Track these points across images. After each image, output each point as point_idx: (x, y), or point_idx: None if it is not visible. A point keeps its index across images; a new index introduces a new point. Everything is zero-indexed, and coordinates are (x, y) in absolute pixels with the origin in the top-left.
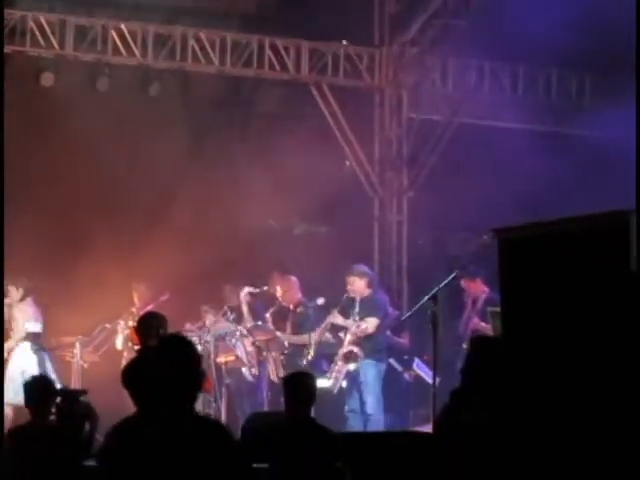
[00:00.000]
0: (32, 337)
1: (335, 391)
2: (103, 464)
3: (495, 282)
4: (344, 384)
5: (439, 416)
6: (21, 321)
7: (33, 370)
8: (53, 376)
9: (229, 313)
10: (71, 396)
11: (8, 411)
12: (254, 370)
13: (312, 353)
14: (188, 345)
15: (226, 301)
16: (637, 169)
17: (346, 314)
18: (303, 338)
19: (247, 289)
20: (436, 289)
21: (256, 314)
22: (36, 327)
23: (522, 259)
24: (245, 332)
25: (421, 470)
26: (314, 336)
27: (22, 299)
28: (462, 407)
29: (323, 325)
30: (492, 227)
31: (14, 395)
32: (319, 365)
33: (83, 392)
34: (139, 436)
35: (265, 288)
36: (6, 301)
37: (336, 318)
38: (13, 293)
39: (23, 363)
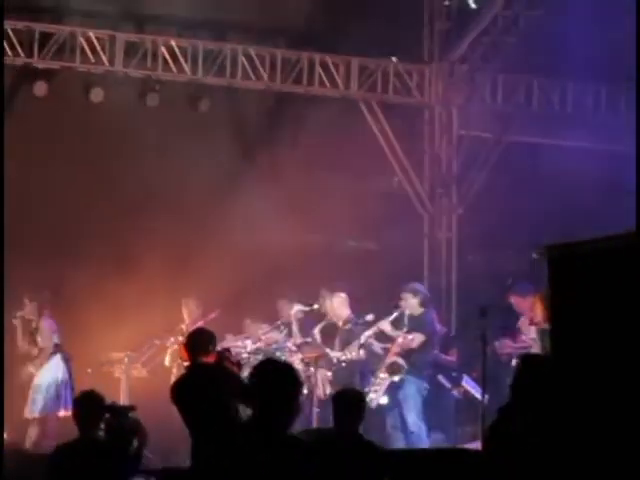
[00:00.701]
0: (60, 348)
1: (373, 406)
2: None
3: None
4: (384, 400)
5: (487, 432)
6: (48, 333)
7: (64, 379)
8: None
9: (282, 327)
10: (120, 412)
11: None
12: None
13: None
14: (291, 370)
15: (280, 315)
16: (637, 172)
17: (395, 327)
18: (352, 355)
19: (297, 307)
20: (485, 306)
21: (305, 331)
22: (57, 339)
23: (572, 276)
24: (294, 348)
25: None
26: (366, 334)
27: (40, 313)
28: (509, 424)
29: (372, 330)
30: (542, 244)
31: (50, 404)
32: (367, 381)
33: (132, 408)
34: (237, 457)
35: (316, 306)
36: (20, 314)
37: (385, 326)
38: (27, 306)
39: (57, 373)
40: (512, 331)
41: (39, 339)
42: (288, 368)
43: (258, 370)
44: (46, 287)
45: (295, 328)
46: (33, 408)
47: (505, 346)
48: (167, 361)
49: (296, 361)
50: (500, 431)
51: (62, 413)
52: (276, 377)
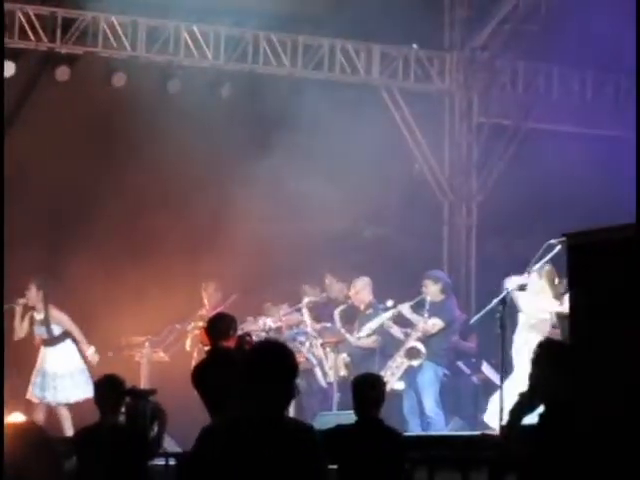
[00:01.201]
0: (67, 336)
1: (388, 389)
2: (194, 465)
3: None
4: (400, 385)
5: (507, 420)
6: (67, 321)
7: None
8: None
9: (303, 310)
10: (140, 396)
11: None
12: (324, 371)
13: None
14: (288, 352)
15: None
16: (637, 170)
17: (416, 313)
18: (372, 340)
19: (307, 299)
20: (505, 293)
21: (320, 317)
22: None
23: (591, 263)
24: (314, 334)
25: (488, 472)
26: (385, 316)
27: (43, 301)
28: (528, 411)
29: (392, 312)
30: (561, 231)
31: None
32: (385, 365)
33: (152, 392)
34: (233, 439)
35: (324, 295)
36: (22, 300)
37: (405, 309)
38: (32, 292)
39: (74, 361)
40: None
41: (53, 327)
42: (283, 349)
43: (254, 351)
44: (59, 273)
45: (307, 318)
46: (55, 394)
47: None
48: (188, 345)
49: (316, 346)
50: (520, 419)
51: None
52: (271, 358)
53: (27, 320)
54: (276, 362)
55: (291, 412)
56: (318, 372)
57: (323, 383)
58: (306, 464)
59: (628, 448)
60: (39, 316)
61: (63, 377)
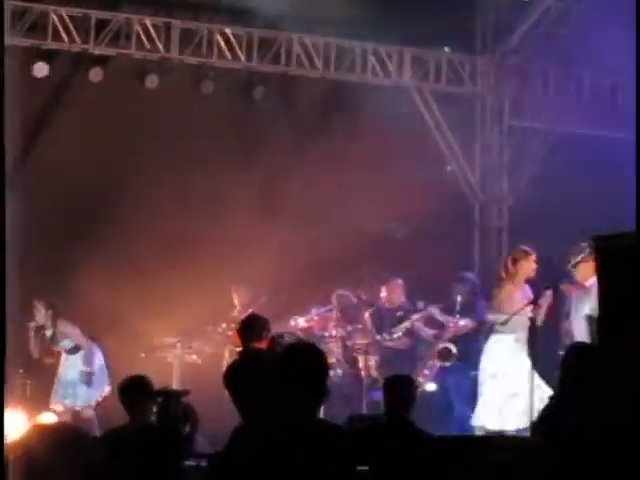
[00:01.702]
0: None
1: (419, 391)
2: (225, 466)
3: None
4: (432, 387)
5: (536, 423)
6: (76, 335)
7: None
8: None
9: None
10: (172, 396)
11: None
12: (340, 371)
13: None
14: (319, 353)
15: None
16: (637, 171)
17: (446, 314)
18: (402, 342)
19: (337, 292)
20: (536, 295)
21: (351, 319)
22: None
23: (620, 267)
24: (345, 335)
25: (517, 474)
26: (415, 317)
27: (54, 323)
28: (558, 413)
29: (421, 314)
30: (591, 234)
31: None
32: (415, 367)
33: (185, 393)
34: (263, 440)
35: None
36: (34, 324)
37: (436, 311)
38: (42, 313)
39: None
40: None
41: (65, 342)
42: (315, 350)
43: (286, 353)
44: (90, 273)
45: (335, 313)
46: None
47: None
48: (220, 347)
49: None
50: (549, 422)
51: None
52: (303, 360)
53: (39, 340)
54: (307, 363)
55: (321, 414)
56: (349, 373)
57: (338, 382)
58: (335, 466)
59: None
60: (48, 333)
61: (80, 384)
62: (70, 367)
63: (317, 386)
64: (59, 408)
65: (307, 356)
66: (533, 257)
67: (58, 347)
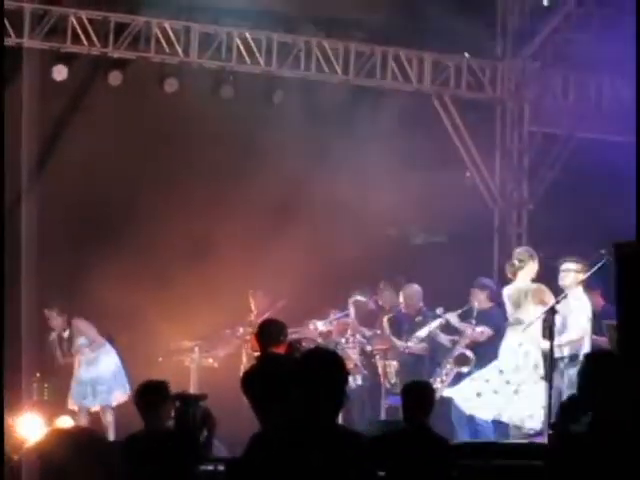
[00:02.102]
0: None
1: (438, 397)
2: (244, 471)
3: (611, 295)
4: (449, 393)
5: (552, 431)
6: (93, 333)
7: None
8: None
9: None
10: (190, 401)
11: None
12: (359, 377)
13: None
14: (338, 359)
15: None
16: (637, 172)
17: (464, 321)
18: (421, 347)
19: (354, 298)
20: (554, 302)
21: (368, 324)
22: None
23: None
24: (364, 340)
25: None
26: (433, 324)
27: (68, 321)
28: (572, 421)
29: (439, 320)
30: (612, 241)
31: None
32: (433, 373)
33: (203, 397)
34: (283, 445)
35: (374, 297)
36: (55, 333)
37: (452, 317)
38: (56, 320)
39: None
40: None
41: (81, 340)
42: (333, 356)
43: (304, 359)
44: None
45: (352, 317)
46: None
47: None
48: (237, 351)
49: (363, 353)
50: (563, 430)
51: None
52: (322, 366)
53: (62, 347)
54: (326, 369)
55: (340, 419)
56: (367, 379)
57: (356, 389)
58: (354, 471)
59: None
60: (66, 335)
61: (99, 382)
62: (87, 364)
63: (336, 391)
64: (76, 409)
65: (326, 361)
66: (536, 259)
67: (76, 347)
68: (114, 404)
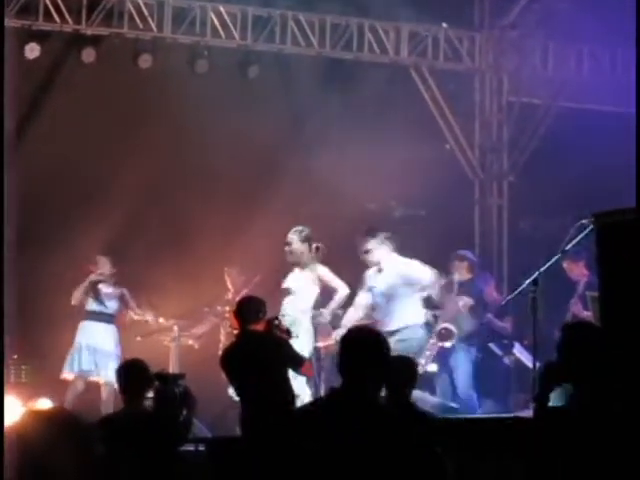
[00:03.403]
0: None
1: (421, 373)
2: (288, 447)
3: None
4: (433, 367)
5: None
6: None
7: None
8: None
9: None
10: (169, 380)
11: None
12: None
13: None
14: (379, 336)
15: None
16: (637, 167)
17: (444, 294)
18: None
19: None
20: (537, 273)
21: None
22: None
23: (620, 243)
24: (341, 313)
25: (521, 455)
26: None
27: (114, 277)
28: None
29: (420, 294)
30: (592, 211)
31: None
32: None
33: (181, 376)
34: (326, 423)
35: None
36: (99, 274)
37: (433, 291)
38: (107, 267)
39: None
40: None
41: (112, 302)
42: (375, 335)
43: (345, 338)
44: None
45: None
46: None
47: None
48: (216, 329)
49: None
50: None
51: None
52: (362, 344)
53: (91, 293)
54: (370, 346)
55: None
56: None
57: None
58: (404, 448)
59: None
60: (106, 289)
61: (103, 354)
62: (93, 332)
63: (376, 370)
64: (71, 377)
65: (369, 339)
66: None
67: (94, 308)
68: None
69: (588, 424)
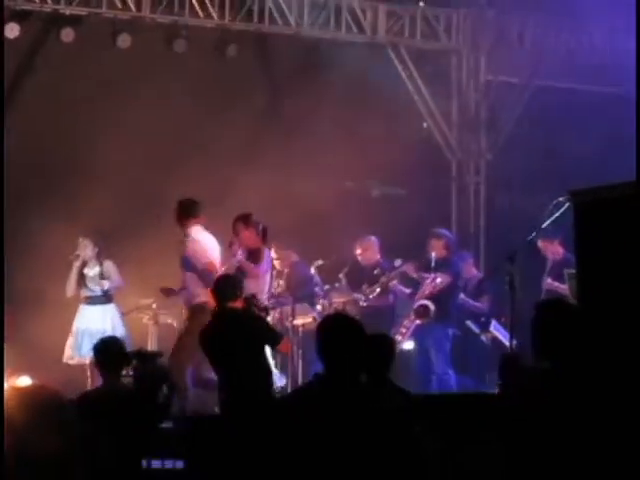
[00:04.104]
0: (112, 299)
1: (398, 349)
2: (285, 425)
3: (572, 244)
4: (410, 345)
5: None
6: (114, 278)
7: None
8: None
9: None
10: (148, 358)
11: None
12: None
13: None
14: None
15: None
16: (637, 164)
17: (422, 272)
18: (381, 300)
19: (317, 262)
20: (513, 251)
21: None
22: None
23: (597, 221)
24: (321, 293)
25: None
26: (391, 276)
27: (97, 258)
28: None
29: (395, 272)
30: (569, 189)
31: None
32: (394, 325)
33: (159, 354)
34: (326, 402)
35: (333, 257)
36: (81, 260)
37: (410, 269)
38: (89, 249)
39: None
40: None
41: (107, 282)
42: (352, 321)
43: (323, 324)
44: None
45: (317, 279)
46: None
47: (547, 285)
48: None
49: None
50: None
51: None
52: (341, 330)
53: (78, 278)
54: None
55: (299, 374)
56: None
57: None
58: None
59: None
60: (92, 272)
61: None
62: (91, 315)
63: (356, 354)
64: (72, 362)
65: (344, 325)
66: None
67: (88, 292)
68: None
69: (563, 402)
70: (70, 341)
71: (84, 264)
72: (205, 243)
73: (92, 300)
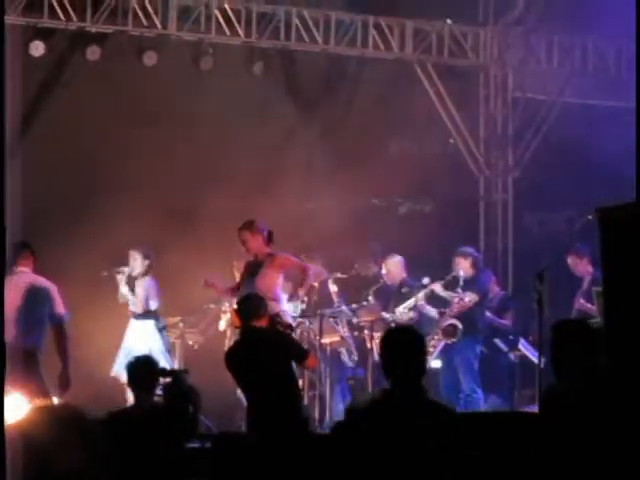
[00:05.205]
0: (152, 315)
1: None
2: (345, 441)
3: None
4: (437, 364)
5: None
6: (142, 296)
7: (150, 348)
8: (167, 356)
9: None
10: (176, 376)
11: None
12: (354, 355)
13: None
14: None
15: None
16: (637, 165)
17: (449, 290)
18: (408, 318)
19: (335, 275)
20: (542, 269)
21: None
22: (154, 305)
23: (624, 239)
24: (349, 313)
25: (527, 450)
26: (419, 296)
27: (146, 272)
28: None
29: (424, 291)
30: (596, 206)
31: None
32: None
33: (184, 372)
34: (382, 417)
35: (352, 271)
36: (126, 270)
37: (438, 288)
38: (138, 262)
39: (136, 341)
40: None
41: (151, 301)
42: (413, 332)
43: (385, 338)
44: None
45: (333, 292)
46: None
47: (579, 305)
48: (222, 326)
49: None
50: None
51: None
52: (402, 342)
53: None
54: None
55: (327, 391)
56: (345, 355)
57: (352, 366)
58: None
59: None
60: (137, 287)
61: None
62: (136, 333)
63: (417, 365)
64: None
65: (405, 338)
66: None
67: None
68: None
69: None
70: (117, 357)
71: (135, 277)
72: None
73: (138, 316)
